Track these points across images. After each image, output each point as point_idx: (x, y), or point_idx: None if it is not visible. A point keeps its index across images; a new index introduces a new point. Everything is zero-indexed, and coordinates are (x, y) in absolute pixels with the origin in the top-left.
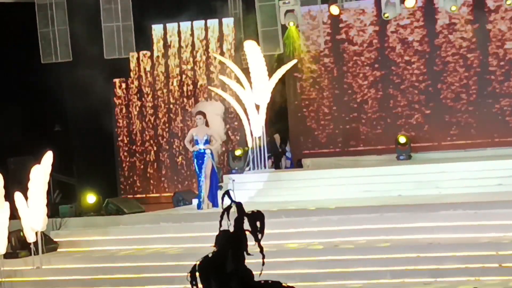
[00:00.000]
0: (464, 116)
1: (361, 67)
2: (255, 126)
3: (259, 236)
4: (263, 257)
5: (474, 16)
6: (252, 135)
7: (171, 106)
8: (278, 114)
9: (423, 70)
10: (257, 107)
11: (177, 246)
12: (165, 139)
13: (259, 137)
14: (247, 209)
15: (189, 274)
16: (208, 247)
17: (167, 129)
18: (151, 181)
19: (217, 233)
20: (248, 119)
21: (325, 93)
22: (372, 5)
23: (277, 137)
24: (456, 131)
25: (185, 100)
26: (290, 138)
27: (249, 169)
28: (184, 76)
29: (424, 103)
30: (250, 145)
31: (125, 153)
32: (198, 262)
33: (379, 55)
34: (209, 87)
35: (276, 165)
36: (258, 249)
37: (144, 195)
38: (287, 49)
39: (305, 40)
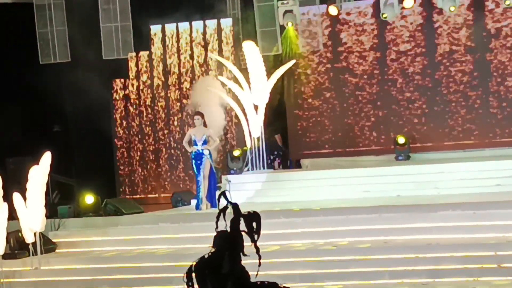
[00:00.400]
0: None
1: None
2: (254, 127)
3: (255, 237)
4: (260, 258)
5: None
6: (250, 135)
7: (170, 106)
8: (276, 114)
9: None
10: (256, 107)
11: (176, 246)
12: (164, 139)
13: (258, 138)
14: (245, 209)
15: (185, 274)
16: (207, 247)
17: (166, 129)
18: (150, 182)
19: (215, 233)
20: (247, 120)
21: (327, 95)
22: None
23: (278, 137)
24: (455, 131)
25: (183, 100)
26: (288, 138)
27: (248, 170)
28: (182, 76)
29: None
30: (248, 145)
31: (124, 154)
32: (194, 263)
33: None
34: (207, 87)
35: (284, 165)
36: (255, 250)
37: (142, 196)
38: (284, 48)
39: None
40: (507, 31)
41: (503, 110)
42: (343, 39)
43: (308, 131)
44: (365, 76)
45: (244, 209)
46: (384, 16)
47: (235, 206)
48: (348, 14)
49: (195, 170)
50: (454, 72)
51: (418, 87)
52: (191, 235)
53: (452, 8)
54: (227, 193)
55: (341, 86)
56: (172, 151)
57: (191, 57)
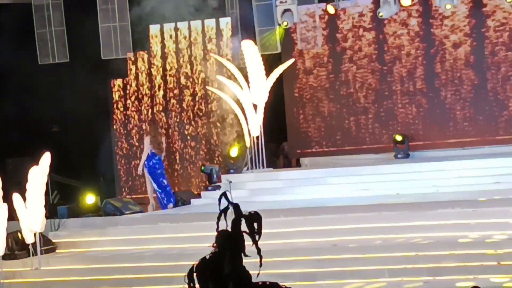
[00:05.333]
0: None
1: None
2: (253, 126)
3: (257, 237)
4: (261, 258)
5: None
6: (250, 134)
7: (169, 105)
8: (275, 113)
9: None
10: (255, 106)
11: (176, 246)
12: (163, 139)
13: (257, 137)
14: (245, 208)
15: (186, 275)
16: (207, 247)
17: (165, 129)
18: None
19: (215, 233)
20: (246, 119)
21: (323, 91)
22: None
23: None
24: (454, 129)
25: (183, 99)
26: (287, 137)
27: (247, 169)
28: (181, 76)
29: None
30: (248, 144)
31: (123, 153)
32: (196, 263)
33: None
34: (206, 87)
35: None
36: (256, 250)
37: (142, 195)
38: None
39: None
40: (508, 4)
41: (502, 108)
42: (342, 36)
43: (308, 129)
44: (365, 73)
45: (244, 208)
46: (380, 14)
47: (236, 207)
48: (346, 11)
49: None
50: (453, 70)
51: (418, 84)
52: (191, 235)
53: (448, 6)
54: (227, 193)
55: (340, 84)
56: (172, 150)
57: (190, 56)
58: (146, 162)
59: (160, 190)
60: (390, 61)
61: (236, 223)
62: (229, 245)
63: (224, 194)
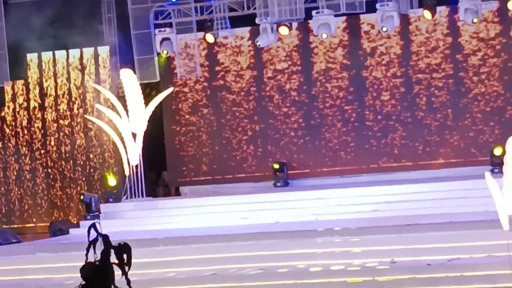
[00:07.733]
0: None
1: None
2: (132, 155)
3: (126, 268)
4: None
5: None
6: (129, 163)
7: (47, 134)
8: (155, 142)
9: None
10: (134, 135)
11: (55, 276)
12: (41, 168)
13: (136, 165)
14: (123, 238)
15: None
16: None
17: (44, 158)
18: (27, 211)
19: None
20: (125, 148)
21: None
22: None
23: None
24: (333, 157)
25: (61, 128)
26: (167, 166)
27: (126, 198)
28: (60, 105)
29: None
30: (127, 173)
31: (1, 182)
32: None
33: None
34: (85, 115)
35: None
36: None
37: (20, 225)
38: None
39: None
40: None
41: (380, 138)
42: (221, 64)
43: (187, 158)
44: (242, 93)
45: (122, 238)
46: (258, 43)
47: (105, 238)
48: (225, 40)
49: None
50: (330, 88)
51: (295, 103)
52: (69, 265)
53: (324, 36)
54: (97, 224)
55: (220, 112)
56: (49, 170)
57: (68, 80)
58: None
59: None
60: (271, 89)
61: (105, 254)
62: (97, 277)
63: (93, 225)
